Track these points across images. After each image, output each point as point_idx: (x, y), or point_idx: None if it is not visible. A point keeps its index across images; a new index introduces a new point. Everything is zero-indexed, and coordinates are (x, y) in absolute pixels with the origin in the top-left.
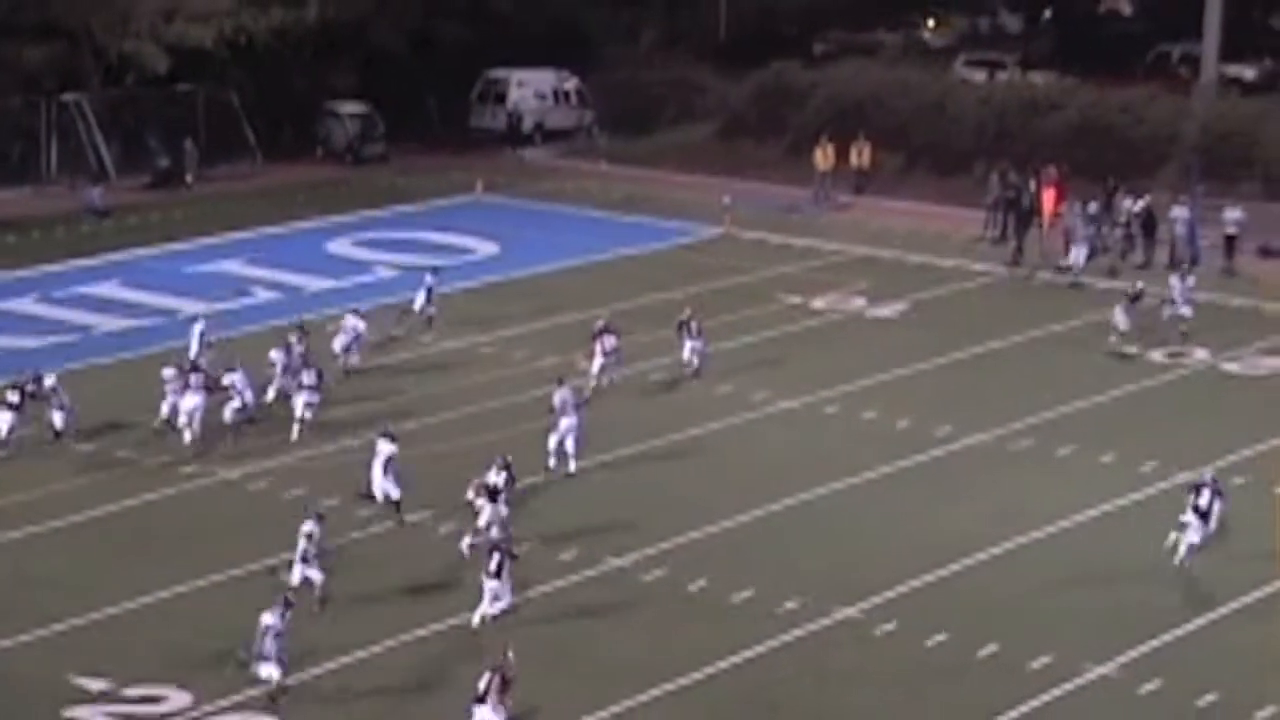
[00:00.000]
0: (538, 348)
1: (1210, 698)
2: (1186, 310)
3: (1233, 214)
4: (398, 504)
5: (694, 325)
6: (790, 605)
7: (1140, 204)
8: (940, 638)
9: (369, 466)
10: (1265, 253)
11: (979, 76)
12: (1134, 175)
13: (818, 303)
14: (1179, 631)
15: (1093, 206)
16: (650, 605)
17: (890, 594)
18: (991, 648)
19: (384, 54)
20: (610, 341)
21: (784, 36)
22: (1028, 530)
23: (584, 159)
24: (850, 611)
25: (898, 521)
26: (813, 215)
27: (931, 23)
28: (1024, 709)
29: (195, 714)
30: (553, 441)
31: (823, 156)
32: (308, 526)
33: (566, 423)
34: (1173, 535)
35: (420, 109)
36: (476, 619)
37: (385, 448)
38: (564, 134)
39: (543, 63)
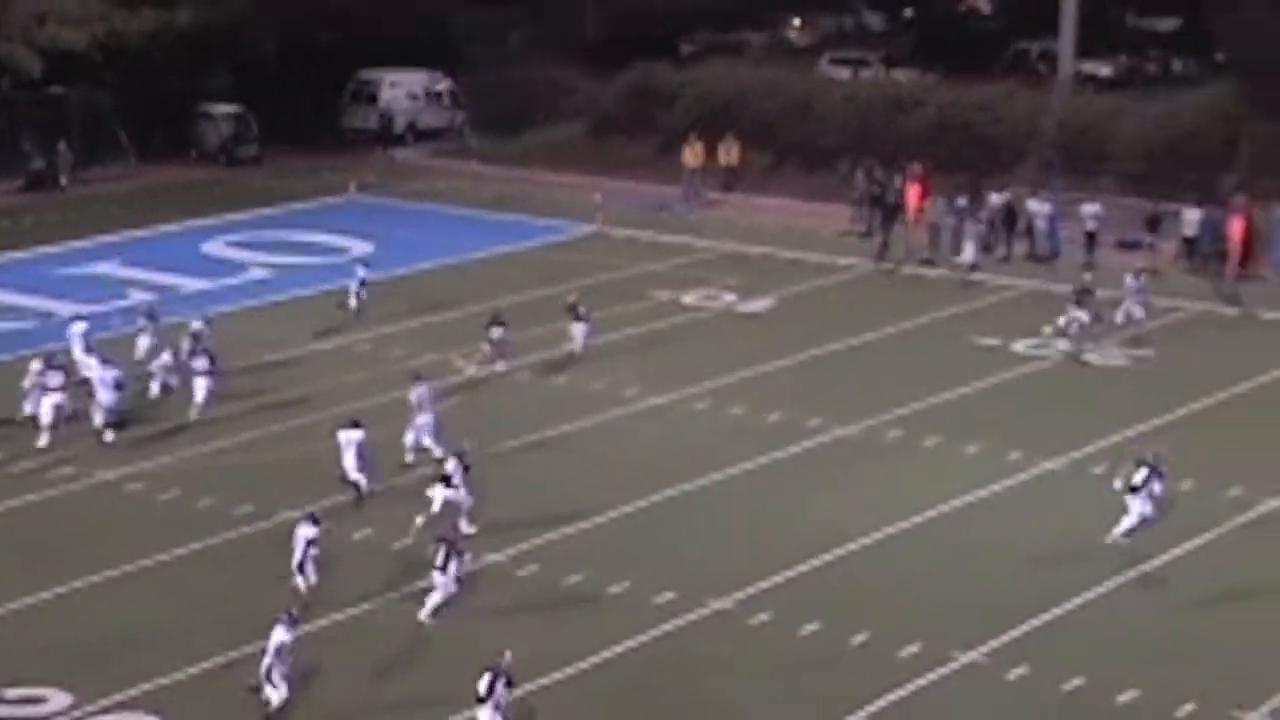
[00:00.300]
0: (413, 346)
1: (1076, 682)
2: (1140, 311)
3: (1091, 208)
4: (360, 492)
5: (581, 309)
6: (665, 598)
7: (1001, 199)
8: (813, 627)
9: (340, 455)
10: (1123, 245)
11: (843, 75)
12: (994, 170)
13: (688, 299)
14: (1046, 617)
15: (961, 201)
16: (526, 599)
17: (763, 585)
18: (862, 636)
19: (256, 56)
20: (498, 332)
21: (652, 37)
22: (897, 520)
23: (456, 159)
24: (724, 603)
25: (770, 513)
26: (683, 213)
27: (797, 22)
28: (894, 697)
29: (78, 714)
30: (409, 438)
31: (692, 155)
32: (307, 531)
33: (423, 419)
34: (1117, 530)
35: (293, 110)
36: (426, 613)
37: (353, 435)
38: (436, 134)
39: (414, 64)
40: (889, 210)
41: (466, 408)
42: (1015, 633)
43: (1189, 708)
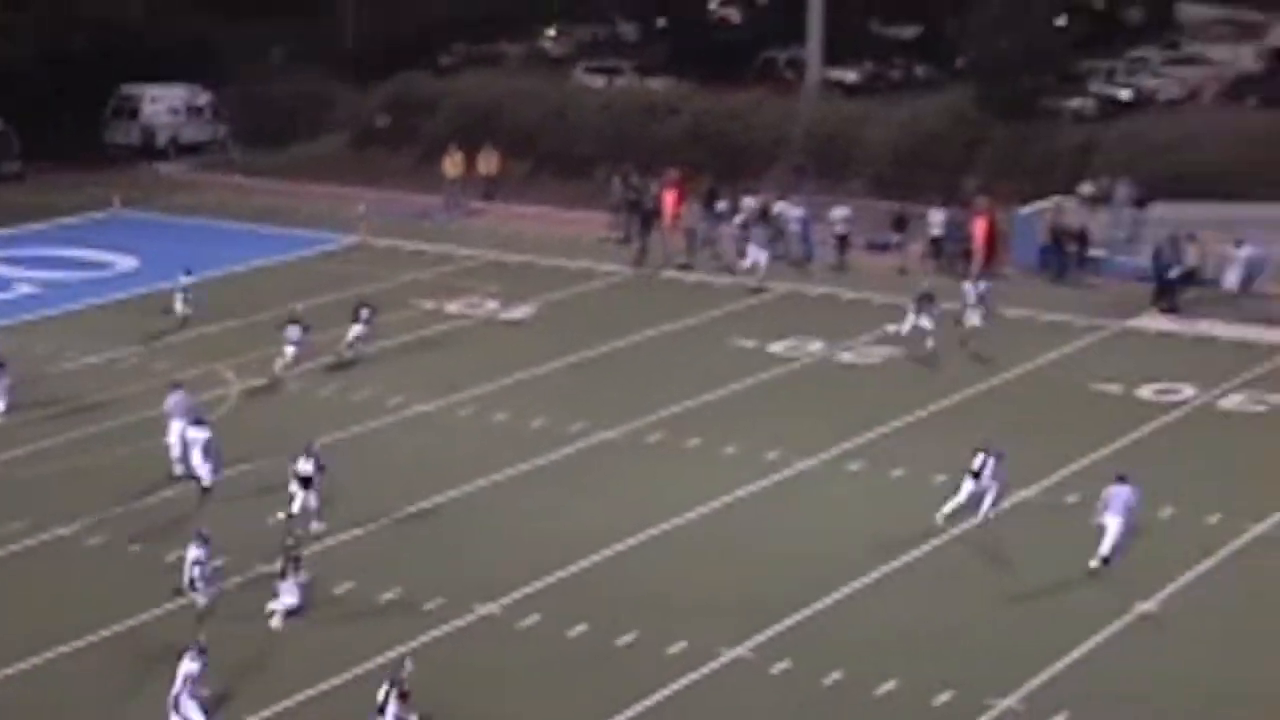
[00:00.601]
0: (179, 359)
1: (836, 675)
2: (978, 318)
3: (841, 212)
4: (206, 489)
5: (364, 312)
6: (435, 603)
7: (756, 203)
8: (581, 628)
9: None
10: (873, 247)
11: (599, 83)
12: (747, 176)
13: (451, 307)
14: (807, 612)
15: (721, 205)
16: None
17: (530, 589)
18: (629, 636)
19: (16, 71)
20: (294, 332)
21: (410, 48)
22: (661, 521)
23: (220, 172)
24: (492, 607)
25: (535, 518)
26: (444, 222)
27: (552, 32)
28: (664, 693)
29: None
30: (174, 448)
31: (452, 164)
32: (195, 551)
33: (178, 426)
34: (952, 503)
35: (55, 126)
36: (276, 621)
37: (198, 434)
38: (199, 148)
39: (175, 78)
40: (646, 216)
41: (235, 419)
42: (779, 628)
43: (945, 697)
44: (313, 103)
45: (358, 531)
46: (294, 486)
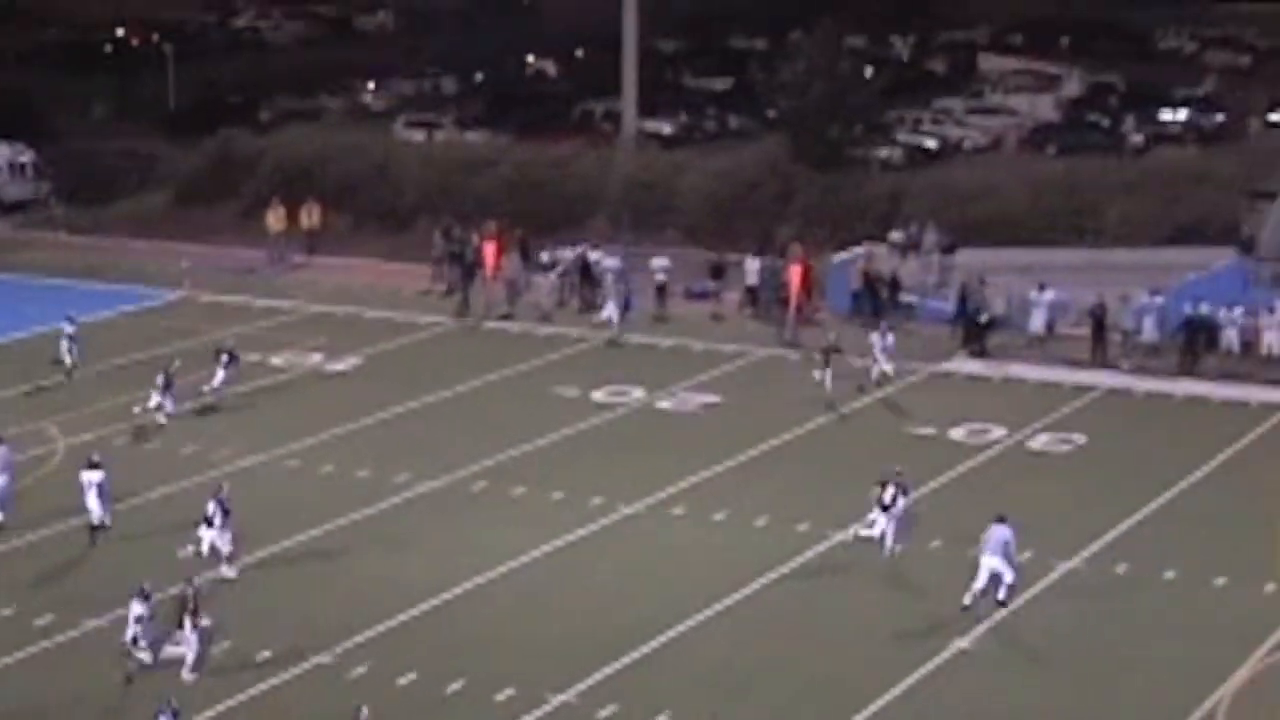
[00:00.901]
0: (3, 415)
1: (663, 716)
2: (889, 367)
3: (660, 262)
4: (99, 528)
5: (225, 357)
6: (265, 655)
7: (576, 253)
8: (411, 677)
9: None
10: (691, 295)
11: (419, 137)
12: (566, 226)
13: (276, 360)
14: (633, 656)
15: (545, 256)
16: (101, 659)
17: (360, 638)
18: (458, 684)
19: None
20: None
21: (231, 105)
22: (487, 570)
23: (43, 229)
24: (323, 658)
25: (363, 568)
26: (269, 276)
27: (371, 86)
28: None
29: None
30: None
31: (275, 219)
32: (137, 608)
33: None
34: (864, 532)
35: None
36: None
37: (93, 476)
38: (21, 206)
39: None
40: (468, 268)
41: (60, 475)
42: (605, 672)
43: None
44: (135, 159)
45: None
46: (201, 529)
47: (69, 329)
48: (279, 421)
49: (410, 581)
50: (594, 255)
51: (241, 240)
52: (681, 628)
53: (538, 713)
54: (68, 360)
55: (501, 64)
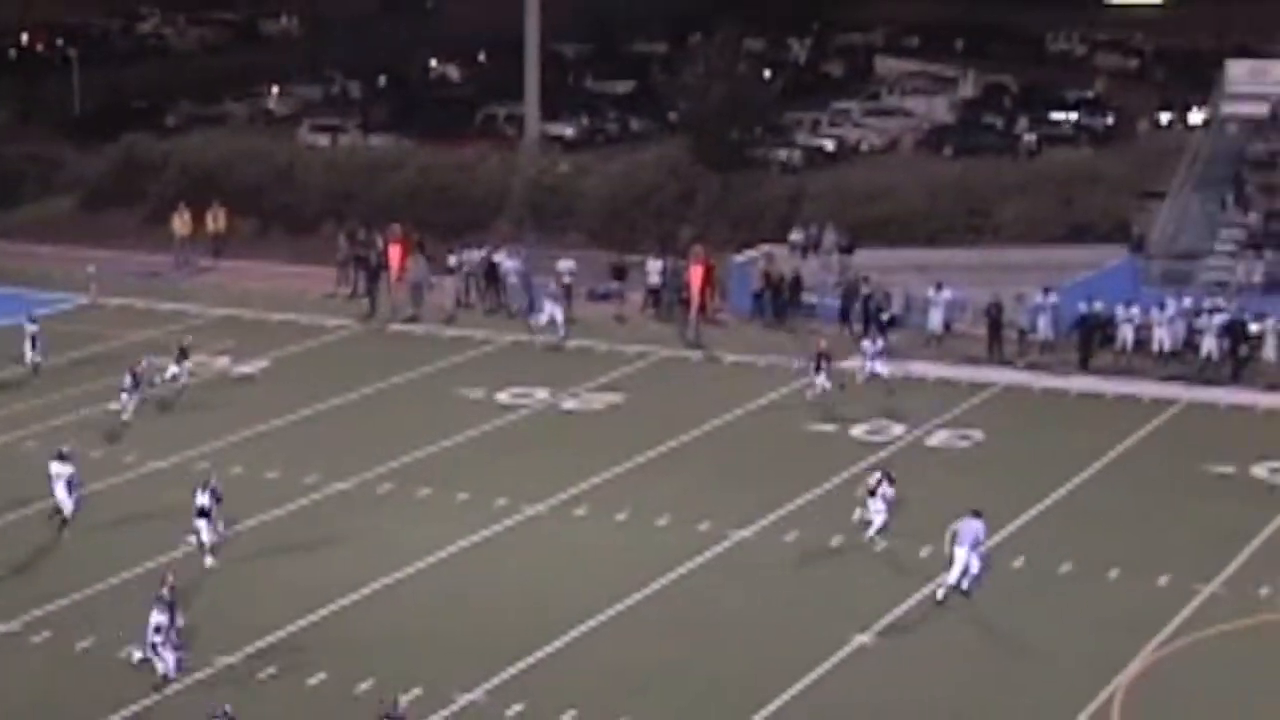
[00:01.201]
0: None
1: (569, 716)
2: (883, 369)
3: (565, 264)
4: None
5: (179, 352)
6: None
7: (481, 255)
8: (320, 677)
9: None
10: (595, 297)
11: (323, 141)
12: (471, 229)
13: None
14: (540, 654)
15: (452, 259)
16: (36, 665)
17: (268, 640)
18: (367, 684)
19: None
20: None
21: (136, 110)
22: (394, 570)
23: None
24: (231, 659)
25: (272, 569)
26: (175, 280)
27: (276, 91)
28: None
29: None
30: None
31: (181, 223)
32: (157, 618)
33: None
34: (869, 521)
35: None
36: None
37: (61, 469)
38: None
39: None
40: (373, 271)
41: None
42: (513, 671)
43: None
44: (39, 164)
45: (100, 586)
46: (196, 520)
47: (30, 327)
48: (186, 425)
49: (319, 582)
50: (498, 257)
51: (147, 245)
52: (585, 627)
53: (446, 711)
54: (29, 357)
55: (405, 68)
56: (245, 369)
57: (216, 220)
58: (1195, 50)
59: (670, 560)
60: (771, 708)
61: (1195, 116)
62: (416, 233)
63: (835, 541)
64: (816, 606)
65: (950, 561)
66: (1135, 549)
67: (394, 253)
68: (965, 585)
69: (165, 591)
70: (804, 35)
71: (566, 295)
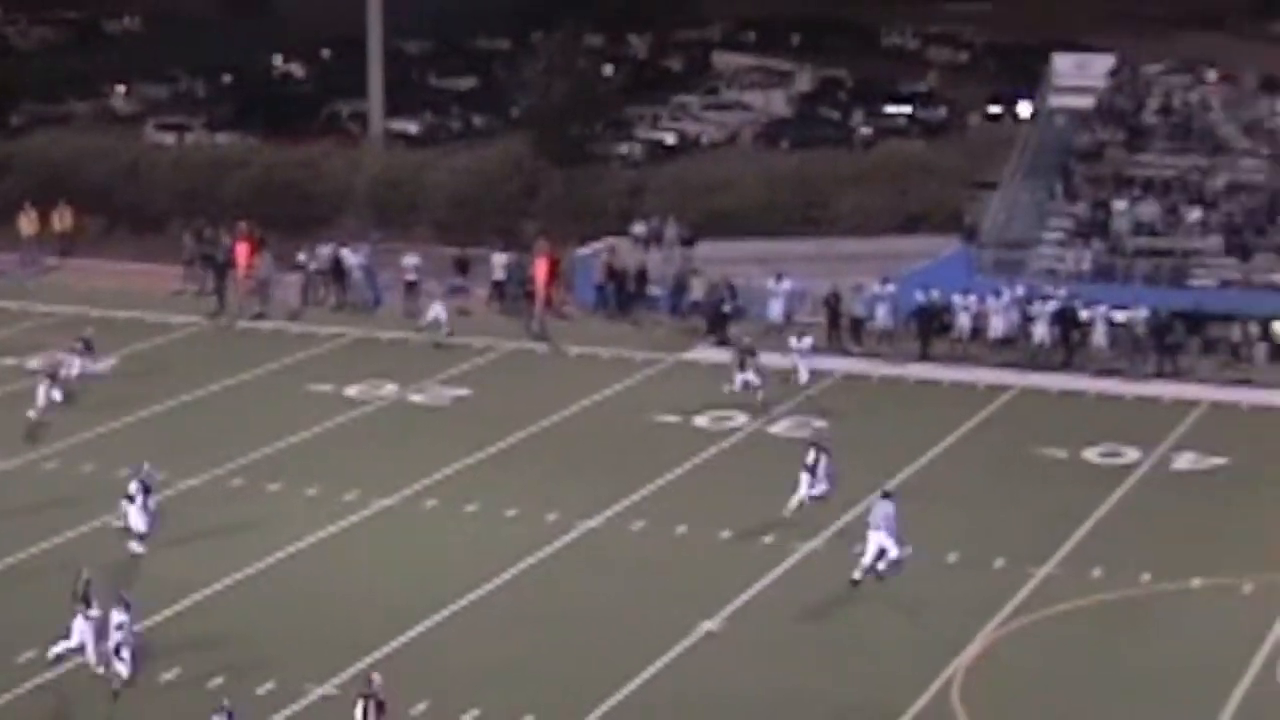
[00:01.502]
0: None
1: (421, 707)
2: (804, 372)
3: (410, 260)
4: None
5: (80, 345)
6: (26, 656)
7: (328, 250)
8: (174, 673)
9: None
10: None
11: (169, 140)
12: (316, 226)
13: (32, 363)
14: (392, 646)
15: (301, 256)
16: None
17: None
18: (220, 678)
19: None
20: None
21: None
22: (245, 566)
23: None
24: (81, 658)
25: (123, 567)
26: (21, 279)
27: (121, 90)
28: None
29: None
30: None
31: (27, 222)
32: (118, 617)
33: None
34: (799, 498)
35: None
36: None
37: None
38: None
39: None
40: (220, 268)
41: None
42: (365, 662)
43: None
44: None
45: None
46: (124, 505)
47: None
48: (36, 424)
49: (170, 578)
50: (344, 253)
51: None
52: (437, 618)
53: (298, 705)
54: None
55: (249, 66)
56: (96, 367)
57: (63, 219)
58: (1023, 44)
59: (520, 551)
60: (621, 694)
61: (1024, 109)
62: (260, 230)
63: (681, 530)
64: (664, 594)
65: (865, 545)
66: (972, 533)
67: (241, 250)
68: (881, 567)
69: (127, 594)
70: (643, 31)
71: (410, 290)
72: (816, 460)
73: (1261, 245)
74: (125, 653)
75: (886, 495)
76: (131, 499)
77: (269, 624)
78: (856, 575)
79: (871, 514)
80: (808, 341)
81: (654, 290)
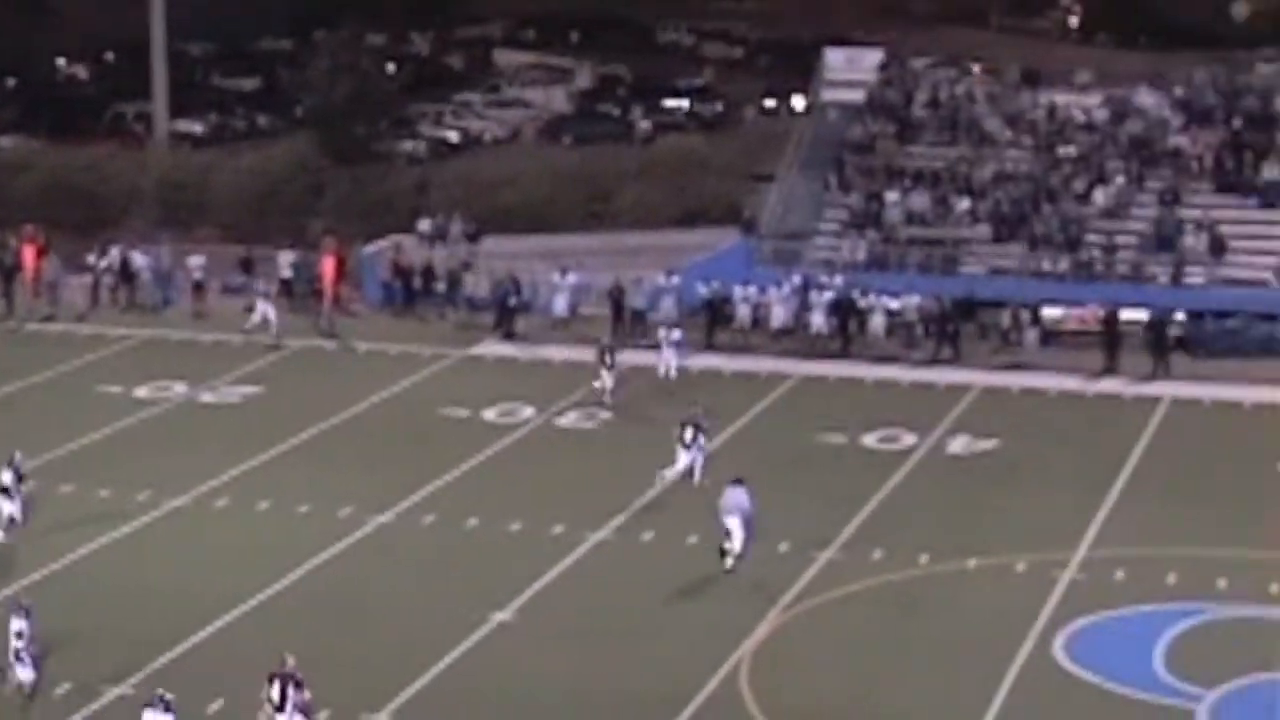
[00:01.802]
0: None
1: (216, 706)
2: (674, 364)
3: (196, 260)
4: None
5: None
6: None
7: (117, 251)
8: None
9: None
10: (228, 290)
11: None
12: (103, 228)
13: None
14: (187, 644)
15: (91, 257)
16: None
17: None
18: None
19: None
20: None
21: None
22: (38, 568)
23: None
24: None
25: None
26: None
27: None
28: None
29: None
30: None
31: None
32: (17, 624)
33: None
34: (669, 473)
35: None
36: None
37: None
38: None
39: None
40: (7, 272)
41: None
42: (161, 662)
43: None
44: None
45: None
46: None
47: None
48: None
49: None
50: (133, 255)
51: None
52: (231, 616)
53: (94, 705)
54: None
55: (32, 68)
56: None
57: None
58: (795, 40)
59: (313, 547)
60: (416, 686)
61: (798, 103)
62: (46, 233)
63: (472, 523)
64: (456, 587)
65: (727, 533)
66: (756, 518)
67: (28, 253)
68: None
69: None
70: (425, 29)
71: (198, 290)
72: (695, 437)
73: (1027, 233)
74: (26, 659)
75: (738, 482)
76: (6, 491)
77: (64, 626)
78: (728, 564)
79: (724, 501)
80: (677, 334)
81: (440, 286)
